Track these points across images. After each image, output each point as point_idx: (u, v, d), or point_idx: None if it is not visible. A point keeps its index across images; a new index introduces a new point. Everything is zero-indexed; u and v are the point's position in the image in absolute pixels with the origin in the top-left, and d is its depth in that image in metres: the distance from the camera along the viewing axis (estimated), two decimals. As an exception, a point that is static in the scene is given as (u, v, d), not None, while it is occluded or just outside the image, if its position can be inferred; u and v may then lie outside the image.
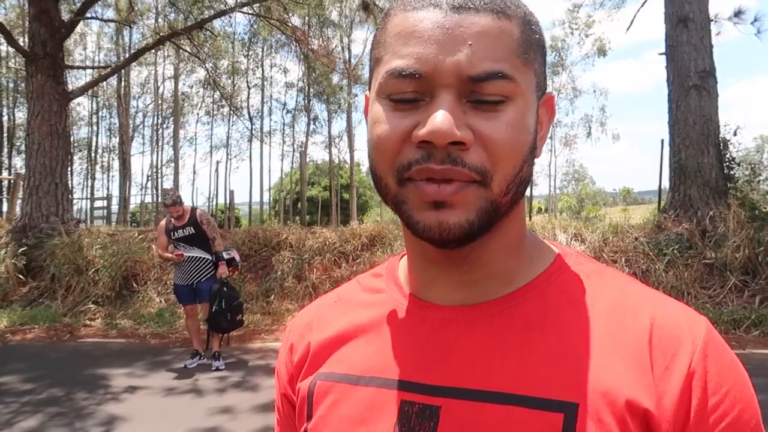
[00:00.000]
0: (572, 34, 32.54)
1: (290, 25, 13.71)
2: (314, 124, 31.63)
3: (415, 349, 0.59)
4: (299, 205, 16.33)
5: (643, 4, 11.35)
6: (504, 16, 0.54)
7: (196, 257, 6.00)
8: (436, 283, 0.61)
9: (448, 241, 0.54)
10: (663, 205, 10.23)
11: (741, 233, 8.28)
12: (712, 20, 9.99)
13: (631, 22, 12.01)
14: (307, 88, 29.73)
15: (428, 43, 0.53)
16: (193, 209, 6.17)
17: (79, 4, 13.37)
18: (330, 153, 33.96)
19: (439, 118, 0.51)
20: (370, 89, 0.60)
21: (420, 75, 0.53)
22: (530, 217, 11.67)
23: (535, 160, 0.58)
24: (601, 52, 31.71)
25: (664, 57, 10.22)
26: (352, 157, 33.12)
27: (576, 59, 34.97)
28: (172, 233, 6.01)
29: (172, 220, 6.01)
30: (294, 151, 33.00)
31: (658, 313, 0.55)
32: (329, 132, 32.49)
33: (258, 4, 12.47)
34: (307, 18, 21.46)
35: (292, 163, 32.98)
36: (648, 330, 0.54)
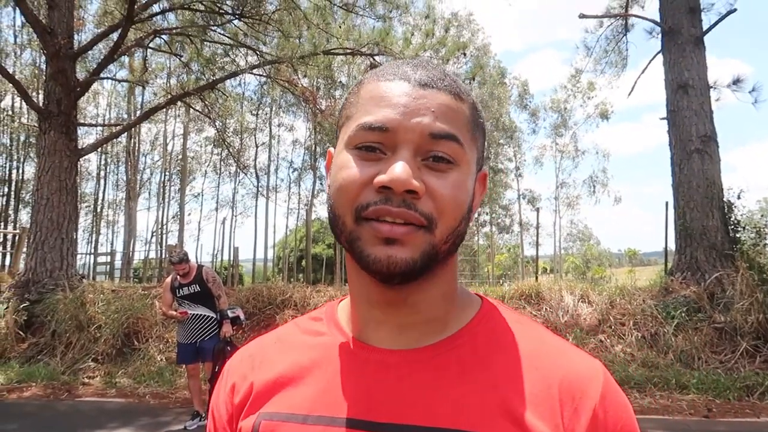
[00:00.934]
0: (574, 97, 33.27)
1: (299, 85, 14.06)
2: (320, 182, 31.96)
3: (360, 390, 0.64)
4: (303, 263, 16.30)
5: (644, 70, 11.63)
6: (459, 99, 0.65)
7: (201, 315, 5.95)
8: (378, 326, 0.67)
9: (394, 275, 0.60)
10: (670, 268, 10.17)
11: (750, 297, 8.19)
12: (711, 87, 10.23)
13: (633, 88, 12.30)
14: (314, 146, 30.22)
15: (397, 106, 0.62)
16: (199, 267, 6.15)
17: (94, 64, 13.80)
18: (334, 211, 34.02)
19: (399, 169, 0.59)
20: (335, 146, 0.68)
21: (387, 129, 0.61)
22: (536, 277, 11.60)
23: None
24: (604, 116, 32.31)
25: (665, 121, 10.41)
26: (356, 215, 33.16)
27: (579, 120, 35.52)
28: (177, 290, 5.98)
29: (178, 277, 5.99)
30: (299, 208, 33.23)
31: (567, 362, 0.65)
32: (334, 190, 32.67)
33: (268, 66, 12.84)
34: (315, 79, 22.06)
35: (297, 221, 33.13)
36: (560, 377, 0.63)
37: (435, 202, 0.60)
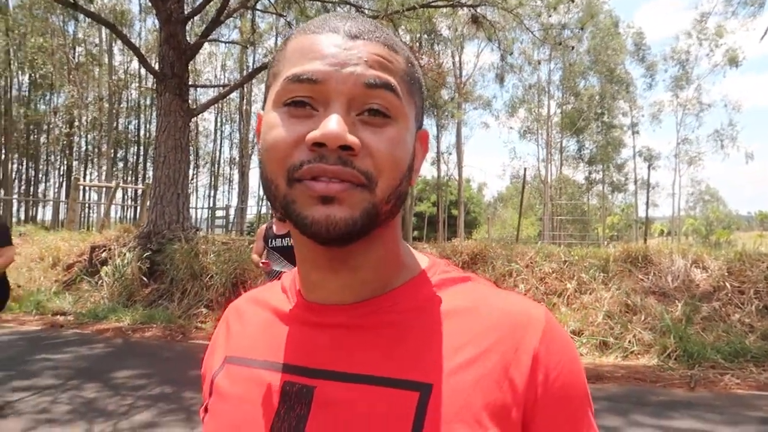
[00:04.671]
0: (700, 45, 30.38)
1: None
2: (422, 140, 31.83)
3: (300, 340, 0.67)
4: (404, 221, 16.43)
5: (782, 10, 10.33)
6: (392, 50, 0.62)
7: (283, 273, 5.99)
8: (320, 286, 0.67)
9: (335, 236, 0.57)
10: (802, 232, 9.19)
11: None
12: None
13: (766, 32, 11.00)
14: (416, 103, 30.05)
15: (326, 57, 0.59)
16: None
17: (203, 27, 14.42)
18: (438, 169, 34.01)
19: (332, 122, 0.56)
20: (264, 107, 0.65)
21: (317, 81, 0.58)
22: (645, 239, 10.93)
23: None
24: (733, 62, 29.28)
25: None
26: (460, 173, 32.92)
27: (703, 72, 32.53)
28: (269, 241, 5.90)
29: (273, 227, 5.95)
30: (402, 166, 33.40)
31: (506, 306, 0.64)
32: (438, 148, 32.58)
33: (369, 23, 12.78)
34: (417, 34, 21.70)
35: (400, 178, 33.37)
36: (498, 320, 0.62)
37: (373, 159, 0.58)
